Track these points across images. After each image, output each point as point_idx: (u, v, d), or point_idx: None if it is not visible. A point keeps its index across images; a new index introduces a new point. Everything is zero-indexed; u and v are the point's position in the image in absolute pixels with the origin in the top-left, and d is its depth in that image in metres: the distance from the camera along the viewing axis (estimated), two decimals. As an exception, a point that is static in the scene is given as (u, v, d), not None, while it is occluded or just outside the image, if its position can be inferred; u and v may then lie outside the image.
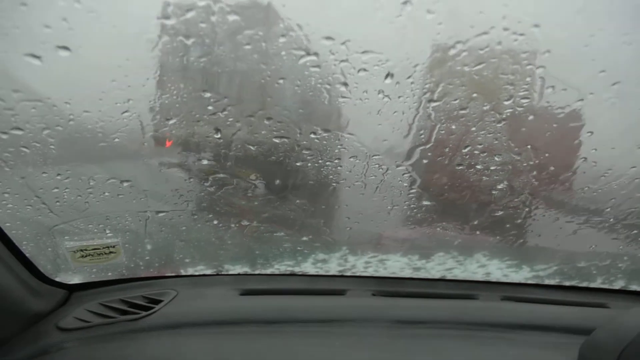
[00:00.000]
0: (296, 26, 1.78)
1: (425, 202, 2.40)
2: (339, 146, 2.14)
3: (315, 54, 1.83)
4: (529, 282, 2.54)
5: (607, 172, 2.27)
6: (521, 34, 1.81)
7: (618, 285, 2.55)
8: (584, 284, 2.55)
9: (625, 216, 2.42)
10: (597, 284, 2.55)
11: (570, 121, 2.16)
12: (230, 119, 1.98)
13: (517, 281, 2.54)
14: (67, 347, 1.85)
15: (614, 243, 2.54)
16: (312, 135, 2.07)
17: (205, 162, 2.17)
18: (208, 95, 1.94)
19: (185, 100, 1.95)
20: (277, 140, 2.09)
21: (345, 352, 1.87)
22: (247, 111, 2.00)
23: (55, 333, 1.91)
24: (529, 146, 2.22)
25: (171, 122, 1.99)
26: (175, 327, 1.97)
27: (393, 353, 1.87)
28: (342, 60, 1.85)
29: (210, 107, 1.97)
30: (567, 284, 2.54)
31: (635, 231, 2.49)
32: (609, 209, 2.41)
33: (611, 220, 2.45)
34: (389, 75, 1.86)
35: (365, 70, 1.86)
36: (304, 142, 2.10)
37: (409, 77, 1.89)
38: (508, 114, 2.07)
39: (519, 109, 2.02)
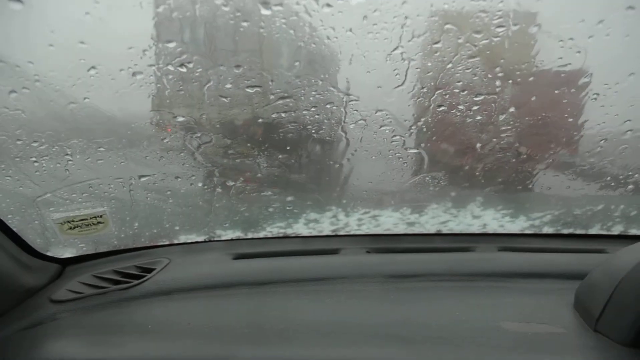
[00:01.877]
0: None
1: (411, 150, 2.31)
2: (313, 92, 2.04)
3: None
4: (526, 232, 2.48)
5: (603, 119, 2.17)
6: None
7: (617, 230, 2.47)
8: (582, 231, 2.48)
9: (623, 160, 2.34)
10: (595, 230, 2.48)
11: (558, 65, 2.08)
12: (199, 70, 1.87)
13: (513, 232, 2.48)
14: (61, 318, 1.82)
15: (611, 187, 2.46)
16: (285, 83, 1.94)
17: (180, 118, 2.08)
18: (173, 45, 1.84)
19: (152, 51, 1.84)
20: (249, 90, 1.97)
21: (338, 308, 1.81)
22: (216, 60, 1.88)
23: (49, 305, 1.89)
24: (510, 81, 2.06)
25: (139, 77, 1.87)
26: (168, 293, 1.93)
27: (388, 306, 1.81)
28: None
29: (177, 58, 1.89)
30: (564, 231, 2.48)
31: (632, 175, 2.39)
32: (605, 153, 2.32)
33: (608, 164, 2.37)
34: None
35: (329, 5, 1.73)
36: (277, 91, 1.99)
37: (375, 11, 1.76)
38: (482, 46, 1.92)
39: (495, 39, 1.87)
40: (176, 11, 1.79)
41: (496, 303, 1.83)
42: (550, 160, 2.45)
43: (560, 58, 2.02)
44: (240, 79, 1.95)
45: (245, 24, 1.80)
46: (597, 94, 2.11)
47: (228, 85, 1.98)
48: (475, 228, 2.49)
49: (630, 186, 2.42)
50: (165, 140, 2.18)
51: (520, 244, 2.38)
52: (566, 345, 1.54)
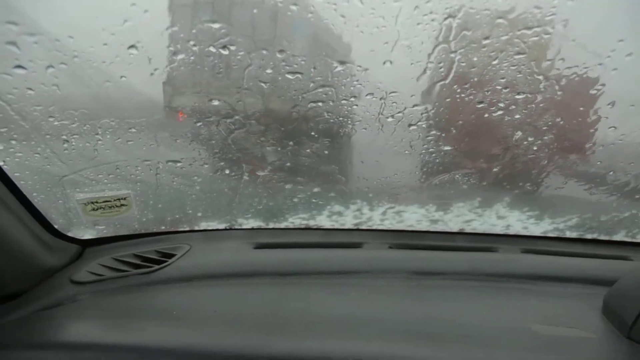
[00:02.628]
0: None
1: (445, 147, 2.28)
2: (355, 82, 2.00)
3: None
4: (549, 235, 2.43)
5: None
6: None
7: None
8: (606, 237, 2.43)
9: None
10: (619, 236, 2.44)
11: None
12: (241, 53, 1.84)
13: (537, 234, 2.44)
14: (81, 299, 1.80)
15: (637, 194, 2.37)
16: (327, 71, 1.89)
17: (215, 102, 2.03)
18: (217, 26, 1.80)
19: (193, 32, 1.79)
20: (290, 77, 1.92)
21: (362, 302, 1.78)
22: (258, 43, 1.83)
23: (69, 286, 1.86)
24: (553, 82, 2.02)
25: (179, 57, 1.83)
26: (189, 280, 1.92)
27: (410, 302, 1.80)
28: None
29: (220, 40, 1.84)
30: (588, 236, 2.43)
31: None
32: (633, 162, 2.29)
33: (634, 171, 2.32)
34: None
35: None
36: (318, 78, 1.94)
37: (427, 2, 1.71)
38: (532, 43, 1.88)
39: (545, 36, 1.83)
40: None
41: (522, 305, 1.81)
42: (582, 165, 2.43)
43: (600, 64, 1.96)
44: (282, 64, 1.90)
45: (294, 7, 1.73)
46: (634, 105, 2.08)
47: (269, 70, 1.92)
48: (499, 229, 2.46)
49: None
50: (198, 124, 2.13)
51: (543, 246, 2.34)
52: (599, 350, 1.53)
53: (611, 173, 2.37)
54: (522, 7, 1.80)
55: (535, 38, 1.88)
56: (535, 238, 2.44)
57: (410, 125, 2.14)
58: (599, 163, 2.37)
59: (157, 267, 1.97)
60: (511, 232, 2.44)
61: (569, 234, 2.44)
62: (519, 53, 1.94)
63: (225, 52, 1.86)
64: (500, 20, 1.84)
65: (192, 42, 1.83)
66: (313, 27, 1.92)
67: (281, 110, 2.15)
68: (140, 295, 1.84)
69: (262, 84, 1.97)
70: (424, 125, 2.17)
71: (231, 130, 2.13)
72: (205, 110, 2.08)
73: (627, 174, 2.37)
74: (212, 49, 1.87)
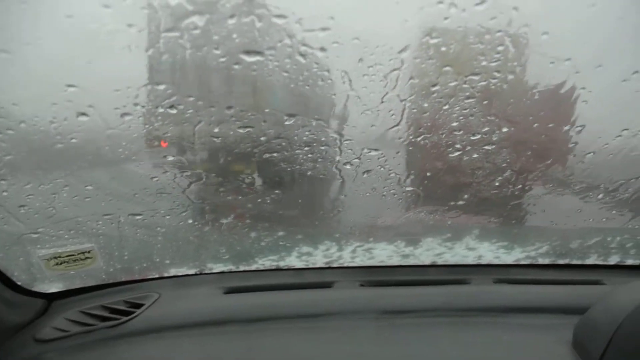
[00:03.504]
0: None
1: (406, 187, 2.24)
2: (307, 132, 1.96)
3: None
4: (522, 262, 2.40)
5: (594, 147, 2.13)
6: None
7: (613, 260, 2.41)
8: (578, 262, 2.42)
9: (617, 189, 2.29)
10: (591, 260, 2.42)
11: (553, 93, 2.03)
12: (190, 111, 1.80)
13: (509, 262, 2.40)
14: (46, 359, 1.73)
15: (607, 217, 2.39)
16: (278, 124, 1.87)
17: (170, 158, 1.98)
18: (162, 87, 1.75)
19: (140, 93, 1.75)
20: (241, 131, 1.88)
21: (332, 347, 1.75)
22: (206, 102, 1.80)
23: (33, 345, 1.78)
24: (507, 121, 2.00)
25: (127, 118, 1.78)
26: (157, 331, 1.85)
27: (381, 345, 1.76)
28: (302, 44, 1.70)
29: (167, 100, 1.81)
30: (560, 262, 2.41)
31: (628, 204, 2.32)
32: (598, 184, 2.29)
33: (601, 194, 2.33)
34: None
35: (323, 49, 1.66)
36: (270, 131, 1.91)
37: (371, 54, 1.69)
38: (481, 87, 1.86)
39: (493, 80, 1.80)
40: (166, 54, 1.70)
41: (494, 340, 1.78)
42: (546, 192, 2.40)
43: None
44: (232, 119, 1.86)
45: (237, 66, 1.70)
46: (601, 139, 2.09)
47: (219, 127, 1.88)
48: (471, 259, 2.40)
49: (627, 217, 2.38)
50: (155, 179, 2.08)
51: (516, 275, 2.32)
52: None
53: (578, 198, 2.37)
54: (466, 55, 1.77)
55: (484, 83, 1.83)
56: (508, 266, 2.41)
57: (367, 171, 2.09)
58: (563, 192, 2.38)
59: (125, 318, 1.89)
60: (483, 262, 2.39)
61: (541, 261, 2.41)
62: (468, 97, 1.91)
63: (174, 112, 1.80)
64: (447, 68, 1.80)
65: (139, 104, 1.78)
66: (259, 83, 1.87)
67: (236, 163, 2.10)
68: (107, 352, 1.77)
69: (215, 139, 1.91)
70: (381, 169, 2.16)
71: (189, 184, 2.08)
72: (160, 165, 2.02)
73: (593, 198, 2.36)
74: (160, 109, 1.81)
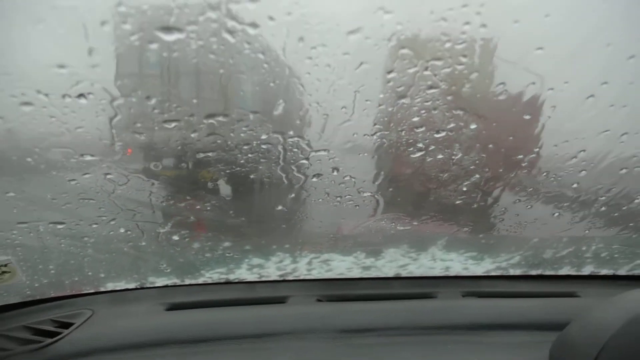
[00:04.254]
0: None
1: (363, 192, 1.98)
2: (244, 128, 1.64)
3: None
4: (492, 274, 2.20)
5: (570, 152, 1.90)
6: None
7: (587, 270, 2.23)
8: (551, 272, 2.22)
9: (589, 198, 2.09)
10: (564, 271, 2.23)
11: (524, 95, 1.76)
12: (102, 102, 1.46)
13: (478, 274, 2.20)
14: None
15: (580, 227, 2.18)
16: (211, 120, 1.51)
17: (88, 157, 1.64)
18: (65, 71, 1.39)
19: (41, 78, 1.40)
20: (167, 126, 1.53)
21: None
22: (121, 90, 1.44)
23: None
24: (475, 116, 1.68)
25: (28, 109, 1.41)
26: (87, 354, 1.60)
27: None
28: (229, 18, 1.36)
29: (74, 86, 1.44)
30: (533, 273, 2.21)
31: (600, 213, 2.13)
32: (570, 192, 2.08)
33: (574, 204, 2.12)
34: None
35: (255, 25, 1.30)
36: (201, 126, 1.56)
37: (313, 33, 1.33)
38: (444, 75, 1.51)
39: (458, 67, 1.46)
40: (68, 31, 1.34)
41: None
42: (517, 200, 2.15)
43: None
44: (154, 112, 1.49)
45: (153, 46, 1.33)
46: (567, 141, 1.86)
47: (140, 120, 1.51)
48: (437, 271, 2.18)
49: (600, 226, 2.17)
50: (73, 182, 1.74)
51: (486, 287, 2.14)
52: None
53: (551, 206, 2.16)
54: (426, 34, 1.41)
55: (448, 70, 1.48)
56: (477, 278, 2.22)
57: (318, 175, 1.76)
58: (538, 197, 2.14)
59: (49, 340, 1.63)
60: (451, 273, 2.17)
61: (512, 272, 2.20)
62: (430, 87, 1.56)
63: (84, 102, 1.44)
64: (404, 51, 1.44)
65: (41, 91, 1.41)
66: (182, 68, 1.51)
67: (166, 163, 1.74)
68: None
69: (136, 135, 1.55)
70: (334, 173, 1.86)
71: (113, 188, 1.72)
72: (78, 166, 1.66)
73: (566, 207, 2.14)
74: (68, 98, 1.45)
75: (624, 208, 2.10)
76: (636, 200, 2.06)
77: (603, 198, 2.06)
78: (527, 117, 1.82)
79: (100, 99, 1.49)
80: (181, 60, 1.50)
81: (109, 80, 1.49)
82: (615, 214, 2.14)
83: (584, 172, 1.94)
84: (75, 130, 1.57)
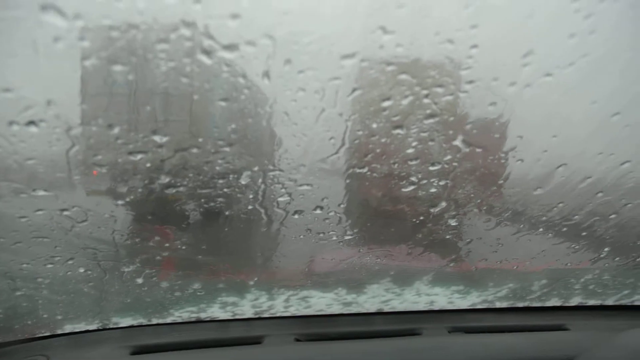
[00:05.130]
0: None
1: (349, 229, 1.80)
2: (220, 161, 1.39)
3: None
4: (478, 307, 2.06)
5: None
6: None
7: (575, 302, 2.12)
8: (538, 304, 2.10)
9: (575, 227, 1.95)
10: (551, 302, 2.11)
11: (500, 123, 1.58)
12: (57, 130, 1.21)
13: (464, 307, 2.05)
14: None
15: (566, 258, 2.06)
16: (182, 152, 1.27)
17: (41, 192, 1.38)
18: (10, 95, 1.12)
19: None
20: (132, 158, 1.30)
21: None
22: (78, 118, 1.19)
23: None
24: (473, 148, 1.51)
25: None
26: None
27: None
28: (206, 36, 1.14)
29: (22, 113, 1.19)
30: (519, 305, 2.09)
31: (587, 244, 2.02)
32: (557, 222, 1.93)
33: (560, 234, 1.98)
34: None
35: (235, 47, 1.07)
36: (172, 159, 1.31)
37: (303, 54, 1.12)
38: (445, 103, 1.34)
39: (462, 95, 1.28)
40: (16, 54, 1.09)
41: None
42: (512, 233, 2.00)
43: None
44: (118, 142, 1.25)
45: (117, 68, 1.09)
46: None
47: (101, 152, 1.26)
48: (422, 305, 2.03)
49: (588, 257, 2.06)
50: (24, 220, 1.50)
51: (472, 321, 2.01)
52: None
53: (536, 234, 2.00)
54: (428, 57, 1.21)
55: (449, 97, 1.28)
56: (463, 312, 2.07)
57: (299, 211, 1.55)
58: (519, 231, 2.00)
59: None
60: (436, 307, 2.02)
61: (499, 305, 2.08)
62: (430, 116, 1.34)
63: (34, 130, 1.19)
64: (403, 77, 1.23)
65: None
66: (151, 94, 1.28)
67: (131, 200, 1.50)
68: None
69: (98, 168, 1.32)
70: (318, 211, 1.68)
71: (72, 225, 1.47)
72: (33, 203, 1.41)
73: (556, 241, 2.00)
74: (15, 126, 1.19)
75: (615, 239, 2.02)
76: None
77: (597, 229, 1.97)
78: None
79: (54, 127, 1.26)
80: (149, 84, 1.27)
81: (65, 105, 1.24)
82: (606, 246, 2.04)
83: (576, 217, 1.87)
84: (26, 162, 1.32)
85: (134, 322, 1.87)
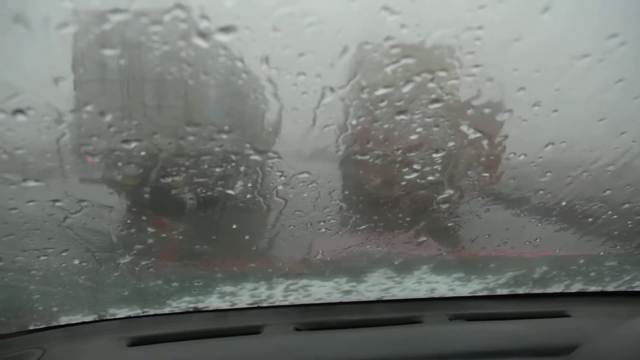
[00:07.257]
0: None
1: (350, 216, 1.77)
2: (217, 149, 1.33)
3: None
4: (479, 294, 2.02)
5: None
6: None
7: (576, 288, 2.08)
8: (539, 290, 2.06)
9: (576, 214, 1.94)
10: (552, 289, 2.07)
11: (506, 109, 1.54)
12: (46, 119, 1.15)
13: (465, 294, 2.02)
14: None
15: (568, 244, 2.05)
16: (175, 136, 1.22)
17: (31, 183, 1.33)
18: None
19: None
20: (126, 146, 1.24)
21: None
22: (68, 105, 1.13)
23: None
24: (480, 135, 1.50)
25: None
26: None
27: None
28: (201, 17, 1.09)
29: (9, 101, 1.13)
30: (520, 291, 2.05)
31: (588, 229, 2.01)
32: (558, 208, 1.91)
33: (561, 220, 1.97)
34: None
35: (233, 28, 1.02)
36: (168, 146, 1.26)
37: (302, 38, 1.06)
38: (451, 87, 1.30)
39: (467, 79, 1.24)
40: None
41: None
42: (510, 217, 2.01)
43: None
44: (111, 130, 1.19)
45: (108, 52, 1.03)
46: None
47: (93, 141, 1.19)
48: (422, 293, 1.99)
49: (590, 243, 2.05)
50: (15, 212, 1.45)
51: (473, 308, 1.99)
52: None
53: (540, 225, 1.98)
54: (434, 39, 1.15)
55: (455, 81, 1.23)
56: (464, 299, 2.04)
57: (298, 200, 1.59)
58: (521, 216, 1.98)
59: None
60: (436, 295, 1.99)
61: (499, 292, 2.04)
62: (434, 101, 1.28)
63: (23, 119, 1.13)
64: (407, 61, 1.17)
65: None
66: (145, 79, 1.21)
67: (126, 189, 1.45)
68: None
69: (91, 157, 1.28)
70: (318, 199, 1.64)
71: (65, 216, 1.43)
72: (24, 195, 1.38)
73: (557, 227, 1.99)
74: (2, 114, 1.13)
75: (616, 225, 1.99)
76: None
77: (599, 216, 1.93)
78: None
79: (43, 115, 1.20)
80: (142, 69, 1.21)
81: (54, 92, 1.17)
82: (607, 232, 2.03)
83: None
84: (15, 152, 1.26)
85: (131, 313, 1.85)
